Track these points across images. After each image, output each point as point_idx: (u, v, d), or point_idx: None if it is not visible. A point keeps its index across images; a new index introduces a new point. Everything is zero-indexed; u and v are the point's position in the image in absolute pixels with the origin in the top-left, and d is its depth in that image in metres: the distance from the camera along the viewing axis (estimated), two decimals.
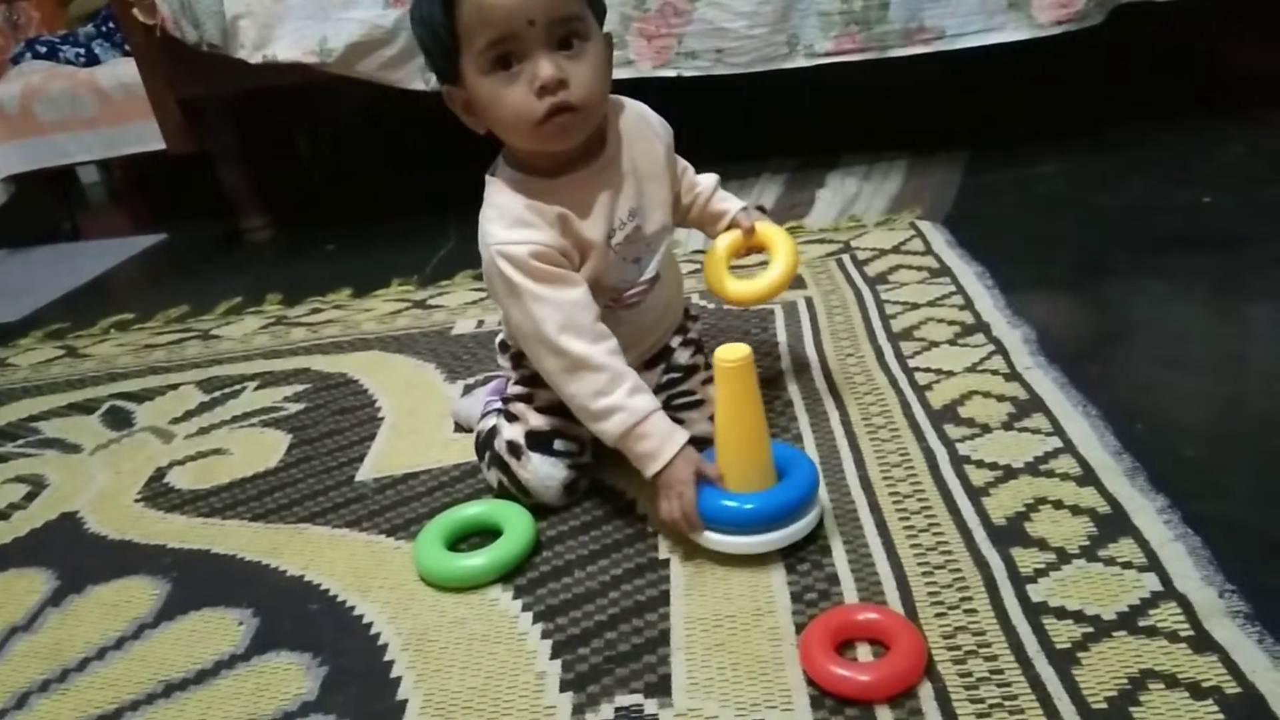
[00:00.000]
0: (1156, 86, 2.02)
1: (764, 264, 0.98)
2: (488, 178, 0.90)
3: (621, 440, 0.85)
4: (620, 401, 0.84)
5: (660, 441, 0.83)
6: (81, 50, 2.37)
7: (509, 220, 0.86)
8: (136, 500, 1.10)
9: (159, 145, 2.04)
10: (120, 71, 2.20)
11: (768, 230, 0.98)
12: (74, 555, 1.02)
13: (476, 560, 0.86)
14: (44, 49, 2.42)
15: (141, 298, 1.86)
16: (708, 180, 1.01)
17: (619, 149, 0.90)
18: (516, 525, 0.89)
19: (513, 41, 0.80)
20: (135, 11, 1.82)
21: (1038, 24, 1.59)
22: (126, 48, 2.18)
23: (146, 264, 2.20)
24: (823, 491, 0.89)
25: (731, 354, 0.80)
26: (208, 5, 1.74)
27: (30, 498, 1.15)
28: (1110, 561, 0.75)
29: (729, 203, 1.01)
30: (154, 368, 1.48)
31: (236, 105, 2.02)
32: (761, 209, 1.60)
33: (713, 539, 0.82)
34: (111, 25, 2.38)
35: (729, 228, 1.00)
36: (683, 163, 1.00)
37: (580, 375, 0.85)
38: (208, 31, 1.76)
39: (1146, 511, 0.79)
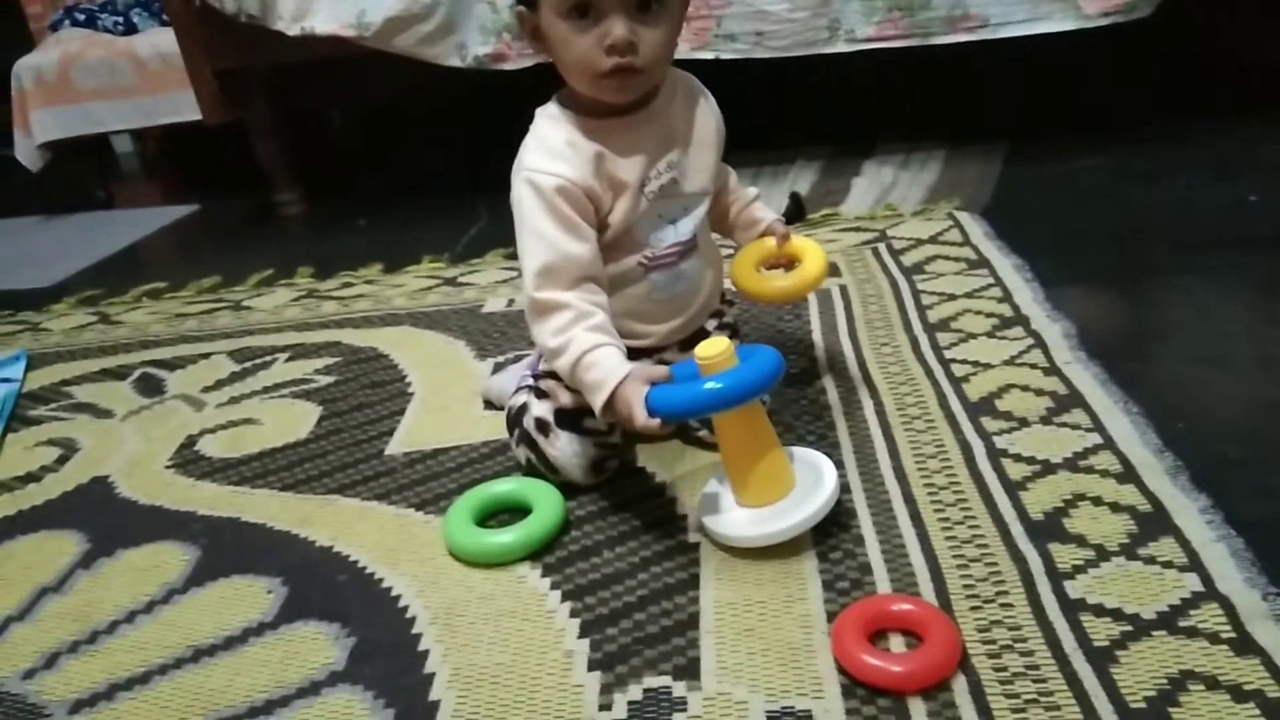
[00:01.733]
0: (1202, 82, 1.98)
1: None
2: (538, 111, 0.91)
3: (573, 373, 0.83)
4: (574, 334, 0.83)
5: (605, 372, 0.81)
6: (120, 19, 2.39)
7: (545, 151, 0.87)
8: (167, 466, 1.11)
9: (195, 115, 2.04)
10: (158, 41, 2.21)
11: (800, 242, 1.00)
12: (104, 519, 1.03)
13: (505, 537, 0.86)
14: (83, 17, 2.43)
15: (173, 267, 1.87)
16: (748, 190, 1.03)
17: (670, 103, 0.92)
18: (546, 504, 0.89)
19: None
20: None
21: (1085, 15, 1.56)
22: (164, 17, 2.19)
23: (179, 234, 2.21)
24: (856, 481, 0.88)
25: (710, 350, 0.79)
26: None
27: (62, 461, 1.16)
28: (1150, 560, 0.73)
29: (766, 213, 1.03)
30: (186, 336, 1.49)
31: (272, 78, 2.02)
32: (797, 195, 1.60)
33: (733, 536, 0.81)
34: None
35: (763, 236, 1.01)
36: (726, 167, 1.01)
37: (546, 316, 0.85)
38: (247, 2, 1.76)
39: (1188, 511, 0.77)
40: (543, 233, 0.85)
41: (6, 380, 1.39)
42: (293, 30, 1.75)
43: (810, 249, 0.99)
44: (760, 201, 1.03)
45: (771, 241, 1.00)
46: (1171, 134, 1.69)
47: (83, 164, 2.52)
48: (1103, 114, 1.90)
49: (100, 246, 2.10)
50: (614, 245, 0.90)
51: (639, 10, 0.82)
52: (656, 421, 0.78)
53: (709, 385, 0.77)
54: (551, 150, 0.87)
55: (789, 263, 1.00)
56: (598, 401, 0.82)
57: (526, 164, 0.87)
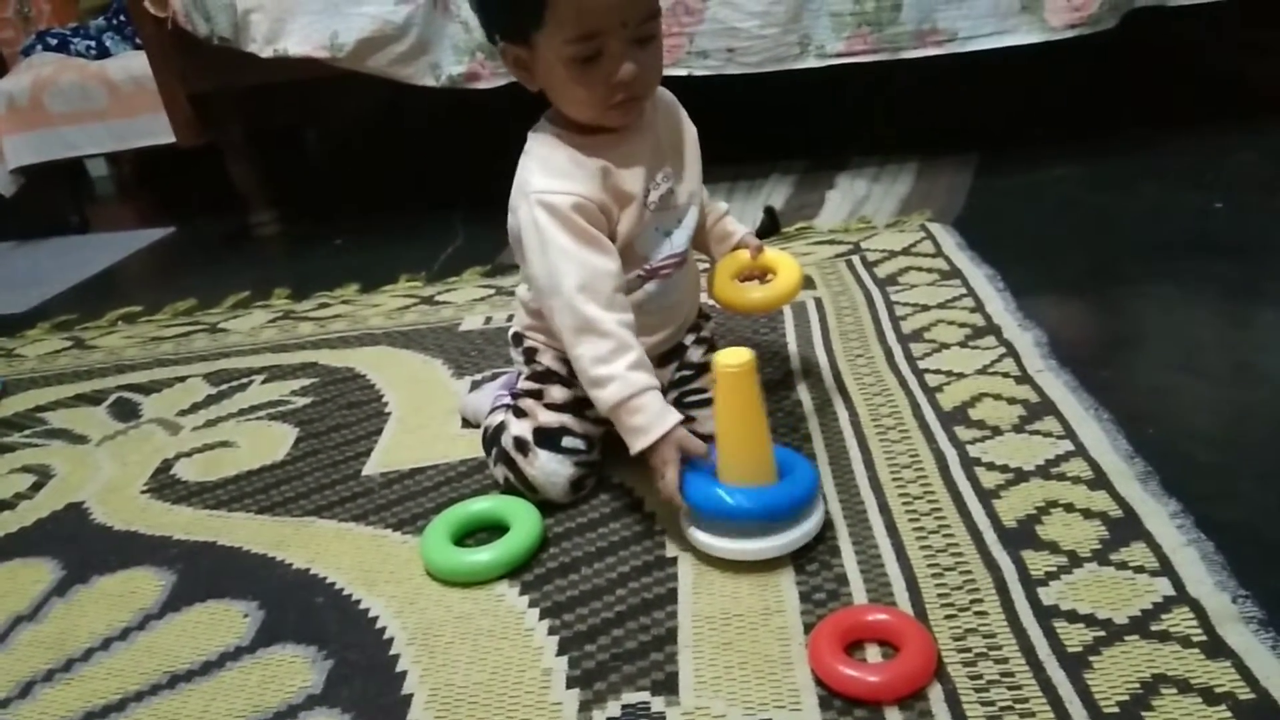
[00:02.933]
0: (1169, 91, 2.01)
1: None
2: (530, 133, 0.92)
3: (614, 411, 0.84)
4: (618, 372, 0.83)
5: (651, 418, 0.82)
6: (92, 43, 2.38)
7: (551, 170, 0.87)
8: (143, 491, 1.10)
9: (168, 138, 2.04)
10: (131, 64, 2.20)
11: (774, 254, 1.02)
12: (80, 545, 1.02)
13: (483, 556, 0.86)
14: (55, 41, 2.42)
15: (149, 291, 1.86)
16: (719, 204, 1.05)
17: (655, 116, 0.93)
18: (523, 521, 0.89)
19: (601, 39, 0.82)
20: (147, 4, 1.82)
21: (1050, 27, 1.59)
22: (137, 40, 2.19)
23: (154, 257, 2.20)
24: (831, 492, 0.89)
25: (733, 359, 0.79)
26: None
27: (37, 488, 1.15)
28: (1122, 565, 0.74)
29: (738, 227, 1.04)
30: (161, 360, 1.48)
31: (245, 99, 2.02)
32: (771, 210, 1.61)
33: (716, 545, 0.81)
34: (123, 18, 2.39)
35: (736, 249, 1.02)
36: None
37: (587, 338, 0.85)
38: (219, 25, 1.76)
39: (1159, 516, 0.78)
40: (570, 251, 0.85)
41: None
42: (265, 52, 1.75)
43: (785, 261, 1.01)
44: (731, 216, 1.04)
45: (746, 254, 1.01)
46: (1141, 143, 1.72)
47: (57, 188, 2.50)
48: (1072, 124, 1.93)
49: (75, 271, 2.09)
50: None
51: (639, 44, 0.83)
52: (679, 497, 0.81)
53: (752, 503, 0.79)
54: (557, 170, 0.87)
55: (764, 275, 1.01)
56: (636, 445, 0.83)
57: (535, 187, 0.87)
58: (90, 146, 2.32)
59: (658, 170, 0.91)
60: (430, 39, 1.72)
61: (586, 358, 0.85)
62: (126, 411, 1.32)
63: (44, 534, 1.06)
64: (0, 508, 1.12)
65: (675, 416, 0.83)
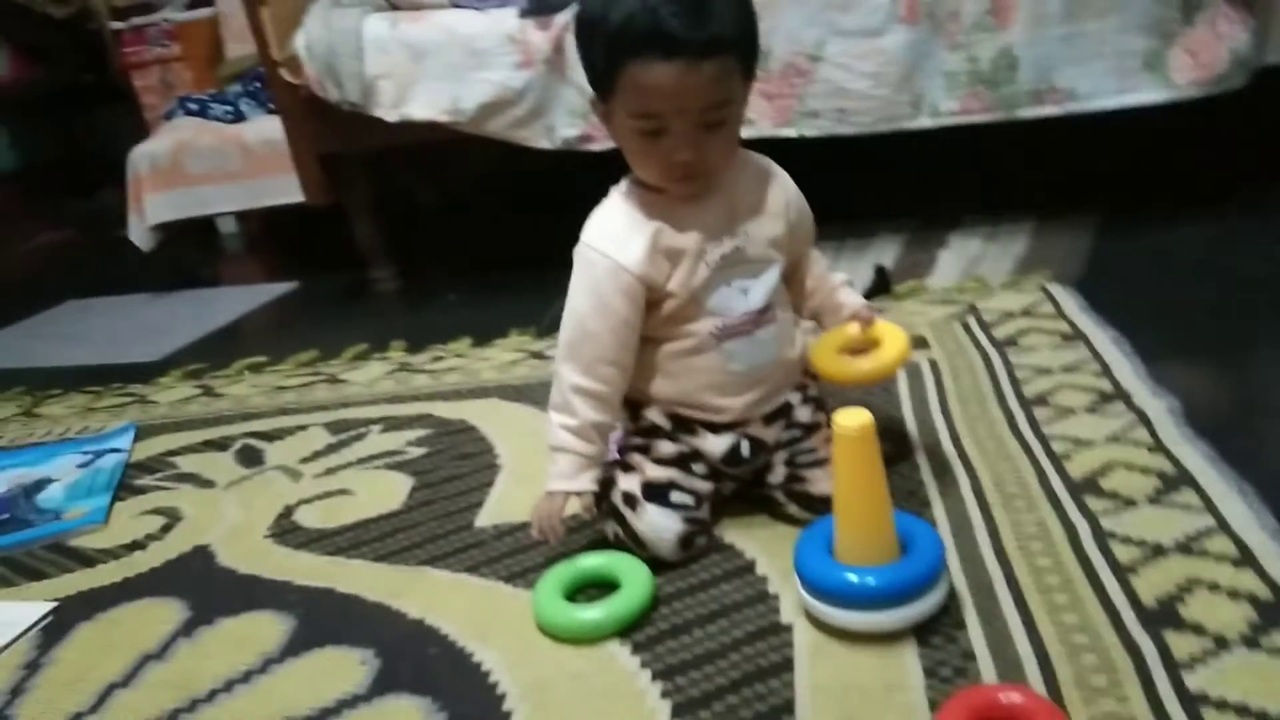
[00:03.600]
0: None
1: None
2: (613, 188, 0.96)
3: (550, 450, 0.94)
4: (554, 424, 0.93)
5: (559, 476, 0.92)
6: (230, 108, 2.53)
7: (606, 229, 0.93)
8: (265, 536, 1.14)
9: (298, 198, 2.13)
10: (264, 128, 2.33)
11: (881, 325, 1.00)
12: (205, 587, 1.05)
13: (594, 613, 0.85)
14: (195, 106, 2.58)
15: (274, 342, 1.93)
16: (836, 275, 1.04)
17: (737, 179, 0.94)
18: (634, 579, 0.88)
19: (662, 119, 0.85)
20: (283, 72, 1.93)
21: (1175, 86, 1.54)
22: (270, 106, 2.31)
23: (279, 310, 2.29)
24: (954, 561, 0.86)
25: (851, 420, 0.78)
26: (350, 66, 1.83)
27: (166, 529, 1.20)
28: (1275, 652, 0.69)
29: (852, 297, 1.03)
30: (284, 409, 1.54)
31: (370, 160, 2.11)
32: (882, 269, 1.59)
33: (835, 615, 0.79)
34: (258, 85, 2.53)
35: (847, 321, 1.01)
36: (815, 251, 1.03)
37: (555, 384, 0.94)
38: (349, 91, 1.85)
39: None
40: (574, 308, 0.92)
41: (115, 450, 1.45)
42: (391, 116, 1.83)
43: (891, 332, 0.99)
44: (848, 287, 1.03)
45: (855, 327, 0.99)
46: (1269, 202, 1.64)
47: (190, 244, 2.64)
48: (1197, 183, 1.85)
49: (205, 322, 2.19)
50: (681, 314, 0.92)
51: (706, 127, 0.85)
52: (545, 538, 0.93)
53: (881, 585, 0.77)
54: (611, 230, 0.92)
55: (869, 346, 1.00)
56: (546, 486, 0.93)
57: (586, 237, 0.93)
58: (224, 205, 2.46)
59: (724, 228, 0.92)
60: (546, 103, 1.77)
61: (552, 395, 0.94)
62: (251, 458, 1.37)
63: (172, 575, 1.10)
64: (132, 548, 1.17)
65: (576, 485, 0.92)
